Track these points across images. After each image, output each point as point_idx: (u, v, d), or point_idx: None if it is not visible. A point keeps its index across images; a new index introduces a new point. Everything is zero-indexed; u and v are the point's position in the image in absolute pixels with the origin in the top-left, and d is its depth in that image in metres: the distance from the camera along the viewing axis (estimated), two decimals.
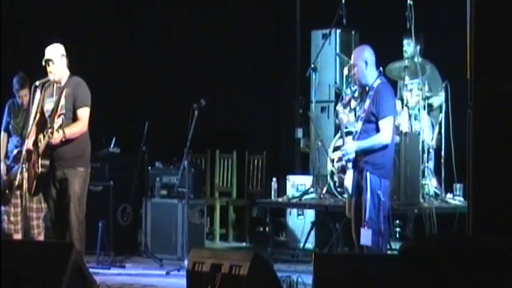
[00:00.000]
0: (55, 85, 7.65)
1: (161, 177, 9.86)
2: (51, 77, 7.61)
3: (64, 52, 7.64)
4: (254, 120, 12.09)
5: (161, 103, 12.08)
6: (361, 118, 7.14)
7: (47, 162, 7.44)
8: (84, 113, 7.49)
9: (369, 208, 6.93)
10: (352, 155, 7.08)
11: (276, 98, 12.12)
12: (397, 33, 9.04)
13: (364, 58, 7.14)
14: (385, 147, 7.03)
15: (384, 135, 7.00)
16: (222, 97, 11.94)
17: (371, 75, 7.16)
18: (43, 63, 7.60)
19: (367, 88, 7.19)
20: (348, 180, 7.17)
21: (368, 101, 7.10)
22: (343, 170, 7.22)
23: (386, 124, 7.01)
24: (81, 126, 7.48)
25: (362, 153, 7.06)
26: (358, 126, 7.14)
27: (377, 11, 10.47)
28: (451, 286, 4.80)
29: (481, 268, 4.75)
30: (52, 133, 7.27)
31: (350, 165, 7.15)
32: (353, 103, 9.19)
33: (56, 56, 7.57)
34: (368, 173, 6.98)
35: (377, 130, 7.04)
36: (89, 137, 7.70)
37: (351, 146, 7.11)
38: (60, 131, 7.29)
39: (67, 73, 7.63)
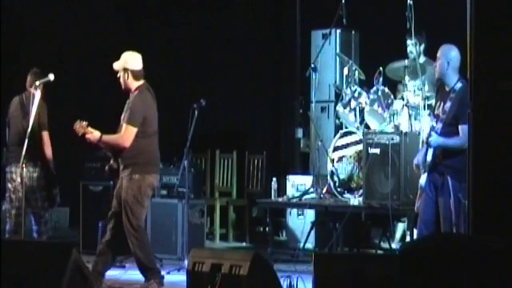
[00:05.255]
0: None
1: (161, 177, 9.85)
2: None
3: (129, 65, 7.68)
4: (254, 120, 12.09)
5: (161, 103, 12.05)
6: (441, 120, 7.19)
7: (114, 165, 7.66)
8: (124, 128, 7.56)
9: (454, 211, 7.02)
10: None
11: (276, 98, 12.12)
12: (397, 33, 9.04)
13: (448, 58, 7.16)
14: (463, 150, 7.03)
15: (464, 139, 6.98)
16: (222, 97, 11.94)
17: (450, 77, 7.18)
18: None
19: (447, 89, 7.21)
20: (423, 179, 7.27)
21: (449, 104, 7.14)
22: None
23: (466, 130, 6.99)
24: (116, 138, 7.58)
25: (442, 156, 7.13)
26: (438, 127, 7.19)
27: (377, 11, 10.47)
28: (451, 286, 4.80)
29: (481, 268, 4.75)
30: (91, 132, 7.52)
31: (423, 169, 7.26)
32: (353, 103, 9.22)
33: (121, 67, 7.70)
34: (449, 178, 7.06)
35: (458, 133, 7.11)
36: None
37: (436, 140, 7.18)
38: (97, 133, 7.50)
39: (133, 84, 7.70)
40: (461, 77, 7.14)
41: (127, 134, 7.52)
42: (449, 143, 7.13)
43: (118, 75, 7.69)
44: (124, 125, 7.56)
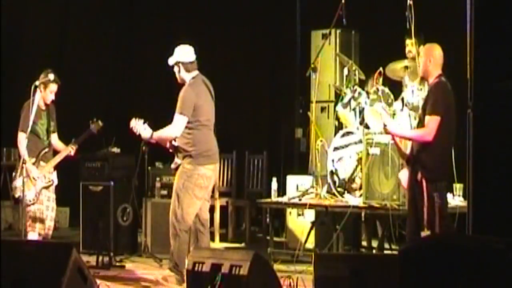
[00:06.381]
0: None
1: (161, 177, 9.86)
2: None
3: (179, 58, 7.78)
4: (254, 120, 12.08)
5: (161, 103, 12.08)
6: (419, 117, 7.23)
7: (178, 161, 7.71)
8: (174, 118, 7.61)
9: (426, 211, 6.98)
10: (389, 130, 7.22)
11: (276, 98, 12.12)
12: (397, 33, 9.04)
13: (431, 56, 7.18)
14: (428, 145, 6.98)
15: (426, 131, 6.97)
16: (222, 97, 11.92)
17: (431, 73, 7.19)
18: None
19: (428, 87, 7.29)
20: (403, 176, 7.34)
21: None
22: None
23: (430, 121, 6.97)
24: (166, 129, 7.65)
25: (416, 152, 7.07)
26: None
27: (377, 11, 10.47)
28: (451, 287, 4.80)
29: (481, 268, 4.75)
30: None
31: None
32: (353, 103, 9.21)
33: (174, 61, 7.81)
34: (423, 179, 7.00)
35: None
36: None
37: (392, 128, 7.23)
38: (149, 131, 7.62)
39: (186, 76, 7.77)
40: (442, 75, 7.18)
41: (177, 123, 7.60)
42: (405, 133, 7.22)
43: (174, 69, 7.78)
44: (175, 115, 7.61)
